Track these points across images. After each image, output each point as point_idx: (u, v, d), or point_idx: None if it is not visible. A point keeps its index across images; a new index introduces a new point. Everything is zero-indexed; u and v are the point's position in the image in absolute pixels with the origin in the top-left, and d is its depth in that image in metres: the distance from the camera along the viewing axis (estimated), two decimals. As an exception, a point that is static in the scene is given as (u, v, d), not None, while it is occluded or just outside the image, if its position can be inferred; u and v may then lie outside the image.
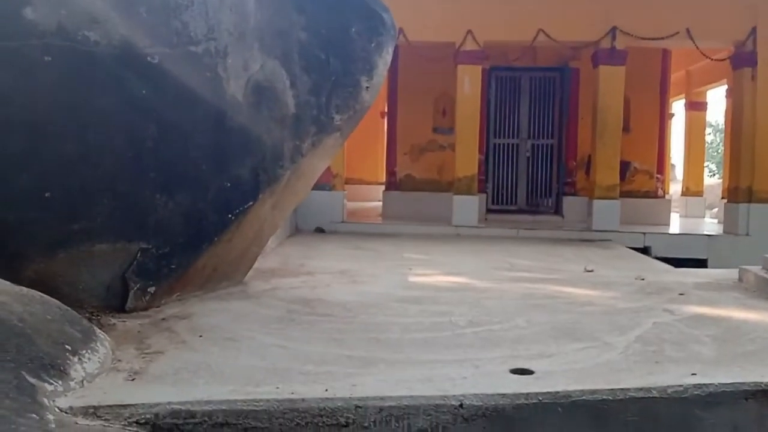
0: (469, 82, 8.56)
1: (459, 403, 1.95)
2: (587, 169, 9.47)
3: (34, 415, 1.70)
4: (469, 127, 8.60)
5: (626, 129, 9.22)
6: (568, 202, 9.76)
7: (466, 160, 8.59)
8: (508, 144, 10.07)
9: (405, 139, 10.08)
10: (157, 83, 3.15)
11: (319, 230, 8.11)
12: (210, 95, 3.31)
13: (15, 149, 2.91)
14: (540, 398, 1.96)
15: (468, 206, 8.50)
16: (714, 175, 23.85)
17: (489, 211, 9.65)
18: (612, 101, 8.45)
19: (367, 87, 3.90)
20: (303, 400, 1.96)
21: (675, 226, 9.90)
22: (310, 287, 4.05)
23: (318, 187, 7.22)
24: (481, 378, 2.16)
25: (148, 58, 3.11)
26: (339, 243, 6.87)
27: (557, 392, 1.99)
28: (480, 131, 8.86)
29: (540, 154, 10.07)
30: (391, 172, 10.24)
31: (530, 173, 10.07)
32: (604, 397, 2.00)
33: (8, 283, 2.30)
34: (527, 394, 1.98)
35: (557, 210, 9.89)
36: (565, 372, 2.24)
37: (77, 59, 2.95)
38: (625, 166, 9.34)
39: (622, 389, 2.02)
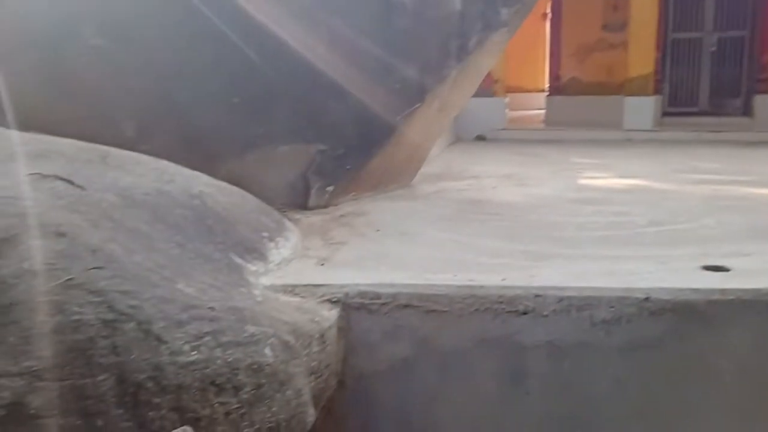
0: (645, -29, 7.72)
1: (645, 296, 1.88)
2: (787, 62, 8.29)
3: (244, 289, 1.90)
4: (645, 22, 7.83)
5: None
6: (760, 101, 8.65)
7: (641, 58, 7.89)
8: (690, 38, 9.05)
9: (570, 40, 9.45)
10: (326, -12, 3.21)
11: (480, 138, 8.00)
12: (376, -3, 3.31)
13: (205, 58, 3.16)
14: (739, 294, 1.83)
15: (641, 108, 7.88)
16: None
17: (665, 114, 8.87)
18: (825, -21, 7.20)
19: (537, -23, 3.67)
20: (482, 287, 2.00)
21: None
22: (477, 189, 4.05)
23: (478, 94, 7.07)
24: (669, 273, 2.06)
25: (316, -33, 3.17)
26: (501, 149, 6.75)
27: (759, 289, 1.84)
28: (657, 25, 8.03)
29: (727, 48, 8.94)
30: (555, 76, 9.72)
31: (714, 70, 9.02)
32: (816, 296, 1.82)
33: (210, 177, 2.54)
34: (723, 290, 1.85)
35: (746, 111, 8.83)
36: (767, 270, 2.06)
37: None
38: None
39: (837, 288, 1.83)
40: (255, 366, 1.39)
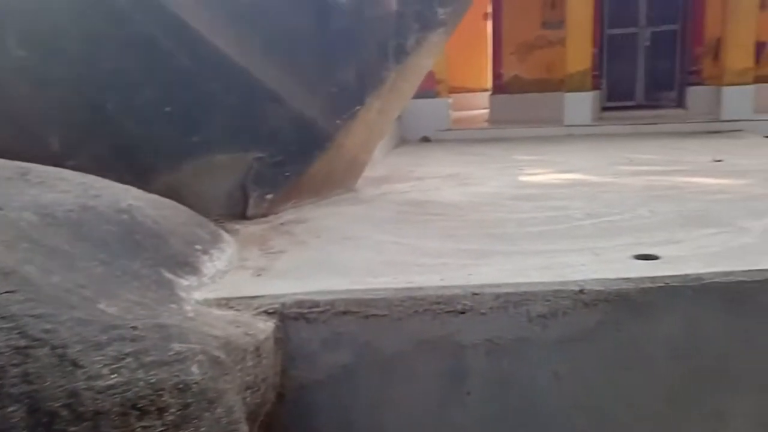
0: (579, -31, 7.92)
1: (579, 288, 1.90)
2: (715, 54, 8.62)
3: (174, 305, 1.84)
4: (582, 18, 8.02)
5: (763, 5, 8.21)
6: (692, 92, 8.99)
7: (578, 54, 8.08)
8: (625, 34, 9.32)
9: (511, 38, 9.61)
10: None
11: (425, 139, 8.04)
12: (313, -2, 3.28)
13: (135, 66, 3.06)
14: (668, 281, 1.87)
15: (581, 104, 8.07)
16: None
17: (604, 108, 9.11)
18: (747, -27, 7.52)
19: (471, -25, 3.71)
20: (420, 288, 1.98)
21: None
22: (421, 191, 4.06)
23: (422, 95, 7.09)
24: (602, 264, 2.09)
25: (251, -31, 3.11)
26: (446, 150, 6.80)
27: (687, 275, 1.89)
28: (593, 22, 8.24)
29: (661, 42, 9.26)
30: (497, 75, 9.86)
31: (649, 64, 9.32)
32: (740, 278, 1.87)
33: (141, 191, 2.46)
34: (654, 277, 1.89)
35: (680, 103, 9.17)
36: (695, 256, 2.11)
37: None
38: (760, 48, 8.39)
39: (759, 270, 1.88)
40: (181, 385, 1.33)
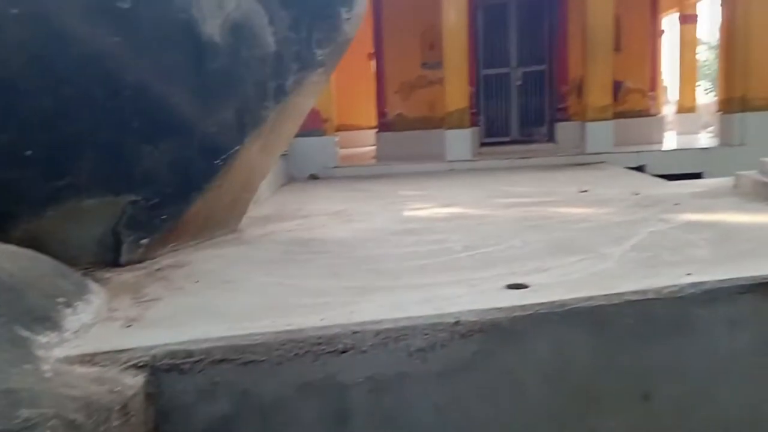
0: (455, 13, 8.35)
1: (455, 320, 1.94)
2: (579, 92, 9.35)
3: (29, 366, 1.69)
4: (458, 59, 8.44)
5: (617, 48, 9.05)
6: (561, 128, 9.67)
7: (457, 94, 8.46)
8: (499, 74, 9.91)
9: (394, 78, 9.92)
10: (130, 29, 3.05)
11: (313, 177, 8.06)
12: (186, 38, 3.20)
13: (-12, 109, 2.84)
14: (536, 309, 1.96)
15: (460, 140, 8.43)
16: (709, 93, 23.69)
17: (482, 144, 9.58)
18: (602, 20, 8.25)
19: (348, 18, 3.79)
20: (300, 330, 1.95)
21: (670, 143, 9.84)
22: (306, 229, 4.04)
23: (309, 133, 7.14)
24: (477, 295, 2.16)
25: (118, 4, 3.00)
26: (333, 187, 6.84)
27: (553, 302, 1.99)
28: (469, 63, 8.70)
29: (531, 82, 9.92)
30: (382, 113, 10.12)
31: (522, 102, 9.94)
32: (600, 303, 1.99)
33: (-5, 241, 2.27)
34: (523, 306, 1.98)
35: (551, 137, 9.82)
36: (561, 283, 2.23)
37: (45, 11, 2.84)
38: (617, 86, 9.21)
39: (617, 294, 2.02)
40: (29, 455, 1.22)
